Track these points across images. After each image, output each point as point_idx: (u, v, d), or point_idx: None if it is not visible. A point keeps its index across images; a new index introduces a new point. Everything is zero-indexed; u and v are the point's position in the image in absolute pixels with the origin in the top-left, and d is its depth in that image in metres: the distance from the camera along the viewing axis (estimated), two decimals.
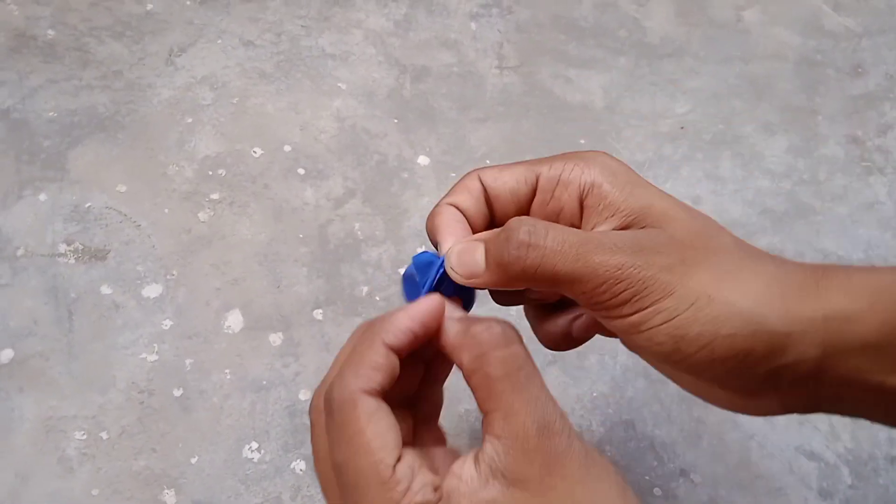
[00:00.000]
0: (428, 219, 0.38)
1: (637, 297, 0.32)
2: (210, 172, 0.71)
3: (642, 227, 0.35)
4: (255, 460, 0.58)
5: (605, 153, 0.37)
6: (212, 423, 0.59)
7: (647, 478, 0.61)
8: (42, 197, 0.67)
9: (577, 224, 0.37)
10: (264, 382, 0.61)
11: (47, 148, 0.70)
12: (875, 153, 0.83)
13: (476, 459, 0.32)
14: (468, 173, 0.39)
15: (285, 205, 0.70)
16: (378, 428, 0.31)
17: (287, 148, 0.73)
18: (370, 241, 0.69)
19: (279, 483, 0.58)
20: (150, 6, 0.80)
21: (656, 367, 0.38)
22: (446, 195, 0.39)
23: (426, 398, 0.39)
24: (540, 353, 0.67)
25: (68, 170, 0.69)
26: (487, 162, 0.75)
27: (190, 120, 0.74)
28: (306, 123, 0.75)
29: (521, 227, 0.32)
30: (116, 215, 0.67)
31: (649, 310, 0.32)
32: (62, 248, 0.65)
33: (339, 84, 0.79)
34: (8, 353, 0.60)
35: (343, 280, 0.67)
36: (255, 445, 0.59)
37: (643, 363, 0.66)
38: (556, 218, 0.37)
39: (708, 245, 0.34)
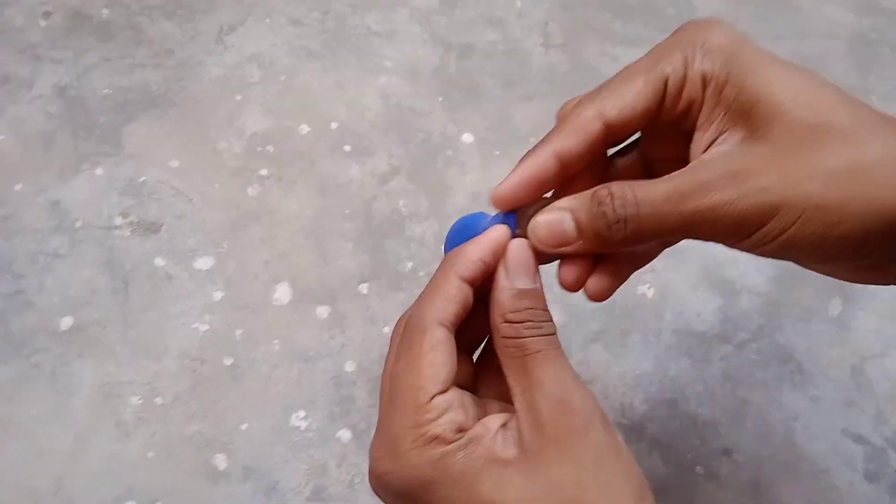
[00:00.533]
0: (525, 155, 0.37)
1: (741, 228, 0.31)
2: (258, 149, 0.73)
3: (748, 131, 0.33)
4: (303, 428, 0.61)
5: (717, 23, 0.35)
6: (260, 392, 0.62)
7: (689, 456, 0.62)
8: (98, 171, 0.70)
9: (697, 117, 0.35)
10: (311, 353, 0.64)
11: (102, 124, 0.73)
12: None
13: (505, 423, 0.34)
14: (581, 105, 0.36)
15: (331, 181, 0.72)
16: (436, 358, 0.33)
17: (333, 125, 0.75)
18: (414, 218, 0.71)
19: (325, 451, 0.60)
20: None
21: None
22: (554, 133, 0.36)
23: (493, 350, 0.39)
24: (582, 330, 0.69)
25: (123, 145, 0.72)
26: (532, 141, 0.75)
27: (239, 97, 0.76)
28: (352, 101, 0.77)
29: (614, 199, 0.32)
30: (169, 190, 0.70)
31: (756, 235, 0.31)
32: (118, 220, 0.68)
33: (385, 62, 0.80)
34: (68, 321, 0.63)
35: (388, 255, 0.69)
36: (302, 414, 0.61)
37: (686, 343, 0.68)
38: (685, 116, 0.35)
39: (818, 140, 0.31)
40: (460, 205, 0.72)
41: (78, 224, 0.67)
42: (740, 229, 0.31)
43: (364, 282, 0.67)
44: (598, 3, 0.88)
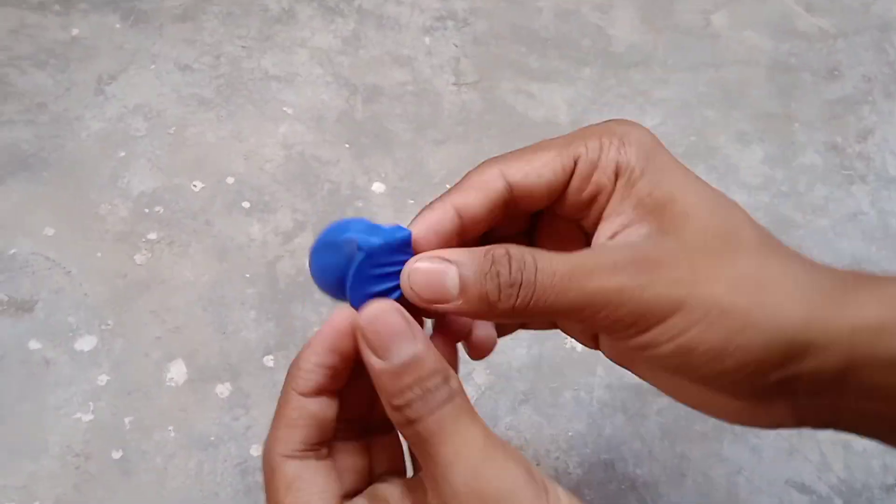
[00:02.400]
0: (420, 212, 0.36)
1: (642, 319, 0.31)
2: (146, 210, 0.70)
3: (657, 227, 0.33)
4: None
5: (638, 125, 0.36)
6: (155, 488, 0.58)
7: None
8: None
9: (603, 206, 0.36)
10: (212, 438, 0.60)
11: None
12: (856, 160, 0.84)
13: None
14: (485, 164, 0.36)
15: (230, 242, 0.70)
16: (298, 499, 0.31)
17: (230, 180, 0.73)
18: None
19: None
20: (75, 31, 0.80)
21: (653, 381, 0.38)
22: (454, 189, 0.36)
23: None
24: (509, 391, 0.68)
25: None
26: (447, 186, 0.75)
27: (123, 154, 0.73)
28: (250, 152, 0.75)
29: (512, 261, 0.31)
30: (44, 261, 0.66)
31: (656, 330, 0.31)
32: None
33: (285, 108, 0.78)
34: None
35: (295, 322, 0.66)
36: None
37: (620, 398, 0.67)
38: (589, 205, 0.36)
39: (726, 247, 0.32)
40: None
41: None
42: (640, 320, 0.31)
43: (269, 353, 0.65)
44: (511, 37, 0.88)
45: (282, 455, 0.31)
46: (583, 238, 0.38)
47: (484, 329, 0.39)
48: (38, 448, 0.59)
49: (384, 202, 0.74)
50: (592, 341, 0.40)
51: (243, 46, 0.82)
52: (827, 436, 0.67)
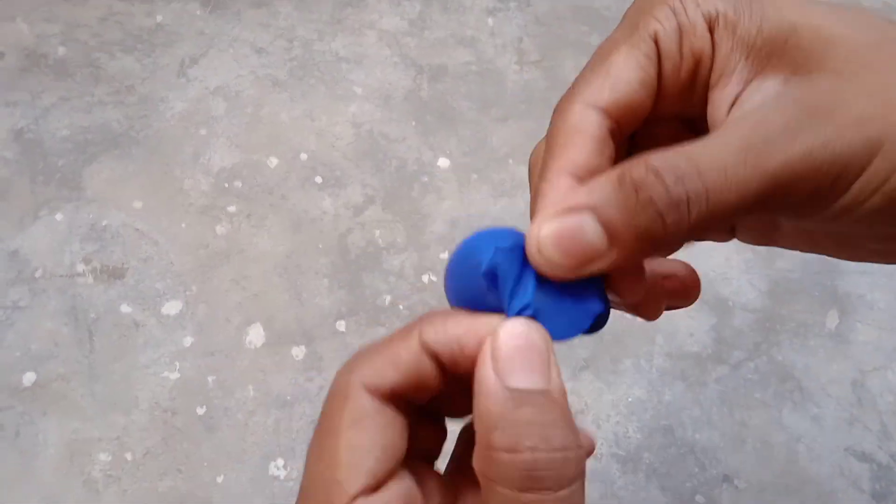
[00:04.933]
0: (530, 206, 0.28)
1: (840, 178, 0.23)
2: (226, 185, 0.72)
3: (791, 68, 0.25)
4: (282, 478, 0.59)
5: None
6: (237, 441, 0.61)
7: (688, 485, 0.61)
8: (59, 217, 0.69)
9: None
10: (288, 398, 0.63)
11: (62, 167, 0.72)
12: None
13: None
14: (562, 107, 0.27)
15: (304, 215, 0.71)
16: (357, 438, 0.24)
17: (303, 156, 0.75)
18: (392, 249, 0.70)
19: None
20: (159, 18, 0.83)
21: (832, 252, 0.30)
22: (551, 152, 0.27)
23: None
24: (571, 358, 0.68)
25: (84, 188, 0.71)
26: (510, 163, 0.76)
27: (204, 132, 0.75)
28: (322, 130, 0.77)
29: (666, 177, 0.23)
30: (133, 232, 0.69)
31: (858, 183, 0.24)
32: (80, 267, 0.67)
33: (355, 88, 0.80)
34: (30, 377, 0.62)
35: (365, 290, 0.68)
36: (280, 462, 0.60)
37: (680, 366, 0.67)
38: (693, 80, 0.27)
39: (890, 59, 0.24)
40: (439, 232, 0.71)
41: (38, 273, 0.66)
42: (839, 179, 0.23)
43: (341, 319, 0.66)
44: (573, 17, 0.88)
45: (362, 383, 0.25)
46: (685, 133, 0.30)
47: (679, 266, 0.30)
48: (130, 404, 0.62)
49: (449, 177, 0.75)
50: (727, 232, 0.32)
51: (315, 29, 0.84)
52: (888, 405, 0.66)
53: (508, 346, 0.23)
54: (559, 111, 0.27)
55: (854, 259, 0.28)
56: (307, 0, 0.86)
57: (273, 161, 0.75)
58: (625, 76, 0.26)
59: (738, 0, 0.26)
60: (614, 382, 0.65)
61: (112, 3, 0.83)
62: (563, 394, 0.23)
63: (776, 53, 0.25)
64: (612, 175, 0.23)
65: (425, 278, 0.69)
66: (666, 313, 0.32)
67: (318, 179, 0.74)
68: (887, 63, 0.24)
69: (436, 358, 0.25)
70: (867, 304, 0.70)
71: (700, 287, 0.30)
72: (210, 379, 0.63)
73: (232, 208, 0.71)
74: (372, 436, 0.24)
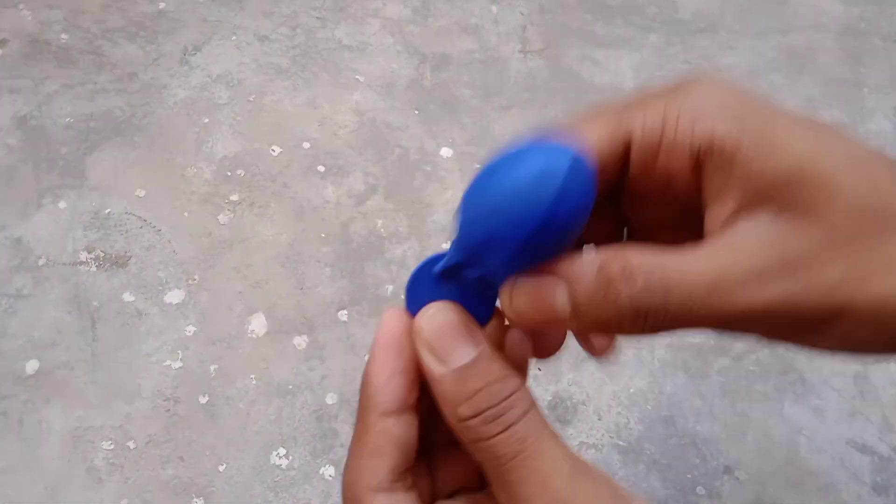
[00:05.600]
0: None
1: (800, 330, 0.25)
2: (229, 173, 0.72)
3: (786, 210, 0.25)
4: (284, 466, 0.59)
5: (715, 80, 0.27)
6: (239, 430, 0.60)
7: (689, 476, 0.61)
8: (62, 204, 0.69)
9: (691, 193, 0.27)
10: (290, 387, 0.62)
11: (65, 154, 0.72)
12: None
13: None
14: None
15: (306, 204, 0.71)
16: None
17: (306, 145, 0.74)
18: (394, 238, 0.70)
19: (308, 489, 0.59)
20: (162, 5, 0.82)
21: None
22: None
23: None
24: (573, 349, 0.67)
25: (87, 176, 0.71)
26: None
27: (207, 120, 0.75)
28: (325, 119, 0.76)
29: (636, 282, 0.24)
30: (136, 220, 0.69)
31: (818, 335, 0.25)
32: (83, 255, 0.67)
33: (358, 76, 0.79)
34: (33, 365, 0.62)
35: (367, 279, 0.67)
36: (282, 451, 0.60)
37: (682, 357, 0.66)
38: (662, 192, 0.28)
39: (884, 225, 0.25)
40: (441, 222, 0.71)
41: (41, 261, 0.66)
42: (799, 331, 0.25)
43: (343, 308, 0.66)
44: (578, 5, 0.87)
45: (369, 488, 0.27)
46: (672, 210, 0.30)
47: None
48: (133, 392, 0.62)
49: (451, 166, 0.74)
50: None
51: (318, 17, 0.83)
52: (890, 398, 0.65)
53: (431, 336, 0.27)
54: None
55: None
56: None
57: (276, 149, 0.74)
58: (594, 137, 0.27)
59: (744, 124, 0.25)
60: (616, 373, 0.65)
61: None
62: (487, 345, 0.27)
63: (776, 188, 0.25)
64: (598, 259, 0.25)
65: None
66: None
67: (321, 168, 0.73)
68: (883, 229, 0.24)
69: (402, 410, 0.28)
70: None
71: (611, 351, 0.32)
72: (212, 368, 0.63)
73: (234, 197, 0.71)
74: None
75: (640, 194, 0.29)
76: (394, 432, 0.28)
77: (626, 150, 0.27)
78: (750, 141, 0.25)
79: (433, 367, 0.26)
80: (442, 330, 0.26)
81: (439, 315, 0.27)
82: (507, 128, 0.77)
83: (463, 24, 0.84)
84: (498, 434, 0.25)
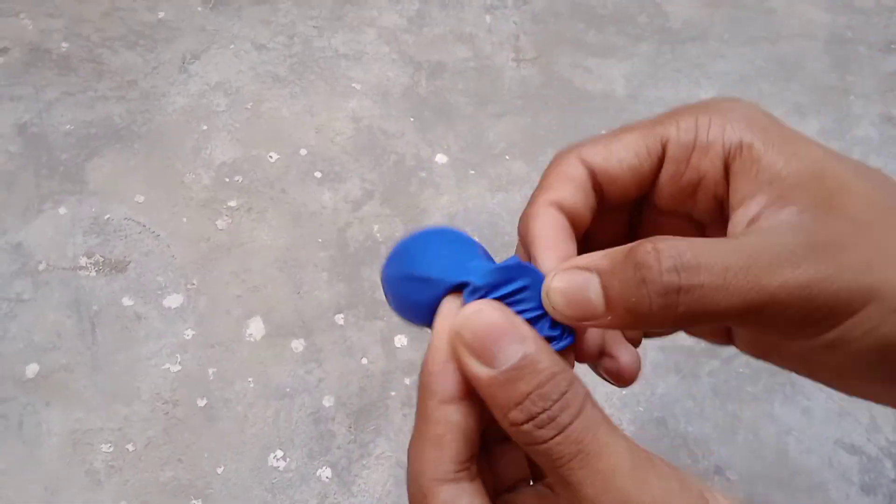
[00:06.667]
0: (521, 223, 0.30)
1: (831, 314, 0.25)
2: (227, 179, 0.72)
3: (811, 204, 0.26)
4: (281, 469, 0.59)
5: (741, 100, 0.29)
6: (236, 433, 0.60)
7: None
8: (62, 210, 0.69)
9: (721, 196, 0.29)
10: (288, 390, 0.62)
11: (65, 161, 0.72)
12: None
13: None
14: (560, 155, 0.30)
15: (303, 209, 0.71)
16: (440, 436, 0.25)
17: (303, 151, 0.74)
18: (390, 243, 0.70)
19: (305, 491, 0.59)
20: (161, 14, 0.82)
21: (815, 376, 0.29)
22: (540, 188, 0.30)
23: None
24: None
25: (87, 182, 0.71)
26: (507, 158, 0.75)
27: (205, 127, 0.75)
28: (321, 126, 0.76)
29: (663, 262, 0.24)
30: (135, 226, 0.69)
31: (848, 323, 0.25)
32: (83, 260, 0.67)
33: (354, 84, 0.79)
34: (33, 368, 0.62)
35: (364, 283, 0.68)
36: (280, 454, 0.60)
37: (673, 359, 0.66)
38: (693, 193, 0.29)
39: None
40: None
41: (41, 266, 0.66)
42: (830, 315, 0.25)
43: (340, 312, 0.66)
44: (570, 14, 0.87)
45: (434, 479, 0.26)
46: (696, 233, 0.31)
47: (627, 354, 0.32)
48: (132, 395, 0.62)
49: (446, 172, 0.74)
50: (724, 337, 0.33)
51: (315, 26, 0.83)
52: None
53: (473, 339, 0.25)
54: (555, 158, 0.30)
55: (849, 394, 0.29)
56: None
57: (273, 156, 0.74)
58: (620, 156, 0.29)
59: (768, 133, 0.27)
60: None
61: None
62: (536, 338, 0.25)
63: (800, 187, 0.26)
64: (626, 247, 0.25)
65: None
66: None
67: (318, 174, 0.73)
68: (886, 221, 0.25)
69: (463, 397, 0.27)
70: None
71: (634, 380, 0.31)
72: (210, 371, 0.63)
73: (232, 202, 0.71)
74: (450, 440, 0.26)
75: (665, 203, 0.30)
76: (454, 420, 0.26)
77: (659, 159, 0.29)
78: (775, 146, 0.27)
79: (478, 371, 0.25)
80: (484, 331, 0.25)
81: (480, 315, 0.25)
82: (501, 134, 0.77)
83: (457, 33, 0.84)
84: (553, 437, 0.24)
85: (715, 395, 0.65)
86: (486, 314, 0.25)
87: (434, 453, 0.26)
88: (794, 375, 0.66)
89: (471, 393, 0.26)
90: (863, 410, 0.64)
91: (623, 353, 0.31)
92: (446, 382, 0.26)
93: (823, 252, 0.24)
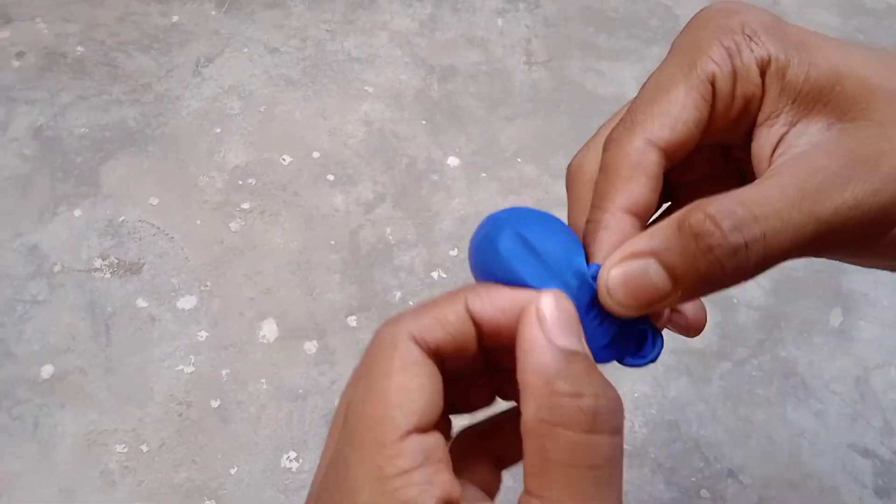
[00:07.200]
0: (586, 233, 0.28)
1: (888, 220, 0.25)
2: (240, 182, 0.72)
3: (836, 115, 0.26)
4: (294, 470, 0.59)
5: (745, 4, 0.28)
6: (250, 434, 0.60)
7: (693, 479, 0.61)
8: (77, 213, 0.69)
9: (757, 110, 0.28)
10: (300, 391, 0.62)
11: (80, 164, 0.72)
12: None
13: None
14: (618, 136, 0.28)
15: (316, 212, 0.71)
16: (408, 381, 0.24)
17: (316, 154, 0.74)
18: (402, 246, 0.70)
19: None
20: (175, 18, 0.82)
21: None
22: (605, 185, 0.28)
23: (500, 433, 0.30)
24: None
25: (101, 185, 0.71)
26: (518, 161, 0.75)
27: (219, 130, 0.75)
28: (334, 129, 0.76)
29: (723, 225, 0.23)
30: (149, 228, 0.69)
31: None
32: (98, 262, 0.67)
33: (366, 87, 0.79)
34: (48, 369, 0.62)
35: (376, 286, 0.67)
36: (293, 455, 0.60)
37: (685, 362, 0.66)
38: (739, 120, 0.28)
39: None
40: (448, 230, 0.71)
41: (56, 268, 0.66)
42: (886, 222, 0.25)
43: (352, 314, 0.66)
44: (581, 18, 0.87)
45: (412, 335, 0.25)
46: (720, 158, 0.31)
47: (691, 306, 0.31)
48: (145, 396, 0.61)
49: (458, 175, 0.74)
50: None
51: (328, 30, 0.83)
52: (891, 402, 0.65)
53: (552, 312, 0.24)
54: (618, 141, 0.28)
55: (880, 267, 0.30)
56: (320, 1, 0.85)
57: (286, 159, 0.74)
58: (683, 116, 0.27)
59: (787, 45, 0.27)
60: (620, 377, 0.65)
61: (129, 3, 0.83)
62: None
63: (822, 99, 0.26)
64: (673, 221, 0.24)
65: (434, 275, 0.68)
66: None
67: (330, 177, 0.73)
68: None
69: (477, 327, 0.25)
70: (870, 301, 0.69)
71: (703, 327, 0.31)
72: (224, 372, 0.63)
73: (246, 205, 0.71)
74: (422, 381, 0.24)
75: (716, 139, 0.29)
76: (463, 326, 0.26)
77: (713, 101, 0.28)
78: (795, 56, 0.26)
79: (536, 333, 0.24)
80: (562, 313, 0.24)
81: (562, 300, 0.25)
82: (512, 137, 0.77)
83: (469, 37, 0.84)
84: (594, 431, 0.23)
85: (727, 399, 0.64)
86: (570, 304, 0.25)
87: (429, 322, 0.25)
88: (806, 379, 0.67)
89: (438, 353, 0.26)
90: (876, 414, 0.64)
91: (687, 306, 0.31)
92: (486, 308, 0.25)
93: (862, 167, 0.24)
